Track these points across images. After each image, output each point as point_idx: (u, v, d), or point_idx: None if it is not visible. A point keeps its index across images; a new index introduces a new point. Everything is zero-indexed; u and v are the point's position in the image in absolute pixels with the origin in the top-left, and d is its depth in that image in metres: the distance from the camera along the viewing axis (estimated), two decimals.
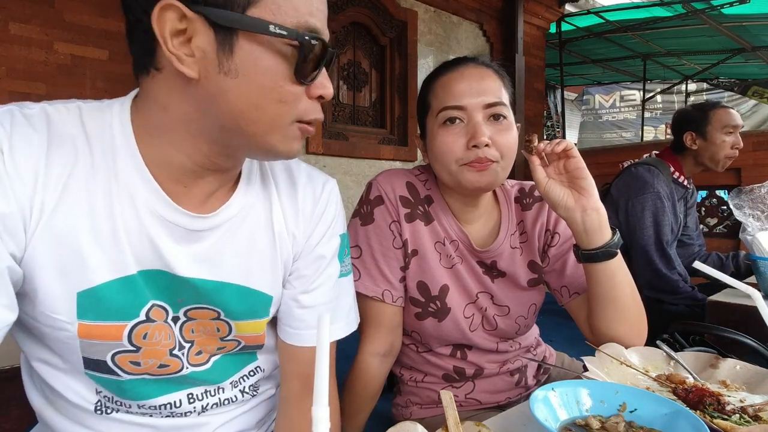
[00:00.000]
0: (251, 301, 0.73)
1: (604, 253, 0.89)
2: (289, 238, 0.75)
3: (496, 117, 0.94)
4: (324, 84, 0.63)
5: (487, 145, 0.91)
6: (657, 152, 2.23)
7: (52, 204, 0.57)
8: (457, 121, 0.94)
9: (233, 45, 0.55)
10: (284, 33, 0.55)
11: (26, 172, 0.55)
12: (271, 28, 0.54)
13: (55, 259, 0.58)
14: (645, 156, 2.24)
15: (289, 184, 0.77)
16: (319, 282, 0.78)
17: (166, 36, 0.54)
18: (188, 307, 0.69)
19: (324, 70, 0.62)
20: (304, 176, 0.79)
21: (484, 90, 0.94)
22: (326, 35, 0.62)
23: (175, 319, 0.68)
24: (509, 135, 0.94)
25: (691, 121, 2.06)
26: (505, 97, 0.97)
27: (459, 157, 0.93)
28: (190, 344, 0.71)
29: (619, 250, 0.91)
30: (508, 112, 0.96)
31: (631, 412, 0.65)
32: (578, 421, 0.65)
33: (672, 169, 2.12)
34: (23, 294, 0.59)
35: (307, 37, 0.57)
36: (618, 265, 0.91)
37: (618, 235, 0.91)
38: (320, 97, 0.63)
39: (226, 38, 0.54)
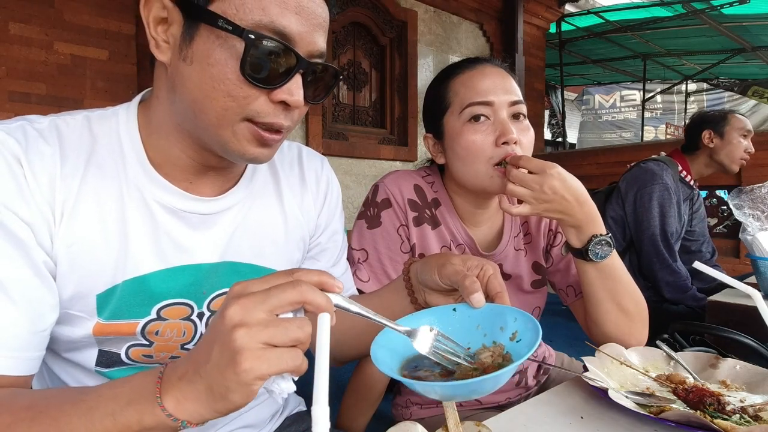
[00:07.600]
0: None
1: (592, 251, 0.86)
2: (303, 215, 0.81)
3: (518, 116, 0.95)
4: (291, 90, 0.59)
5: (515, 143, 0.91)
6: (665, 153, 2.30)
7: (67, 213, 0.60)
8: (482, 118, 0.93)
9: (194, 34, 0.58)
10: (229, 28, 0.55)
11: (44, 182, 0.59)
12: (220, 22, 0.55)
13: (72, 263, 0.61)
14: (653, 156, 2.29)
15: (295, 164, 0.83)
16: (340, 254, 0.89)
17: (150, 21, 0.60)
18: (211, 298, 0.71)
19: (296, 77, 0.59)
20: (305, 155, 0.86)
21: (507, 88, 0.95)
22: (306, 43, 0.59)
23: (201, 315, 0.71)
24: (530, 135, 0.95)
25: (711, 121, 2.18)
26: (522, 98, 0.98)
27: (490, 156, 0.92)
28: None
29: (615, 251, 0.88)
30: (526, 113, 0.97)
31: (517, 342, 0.62)
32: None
33: (680, 168, 2.21)
34: None
35: (252, 36, 0.55)
36: (611, 264, 0.89)
37: (605, 236, 0.87)
38: (284, 104, 0.60)
39: (191, 27, 0.58)
